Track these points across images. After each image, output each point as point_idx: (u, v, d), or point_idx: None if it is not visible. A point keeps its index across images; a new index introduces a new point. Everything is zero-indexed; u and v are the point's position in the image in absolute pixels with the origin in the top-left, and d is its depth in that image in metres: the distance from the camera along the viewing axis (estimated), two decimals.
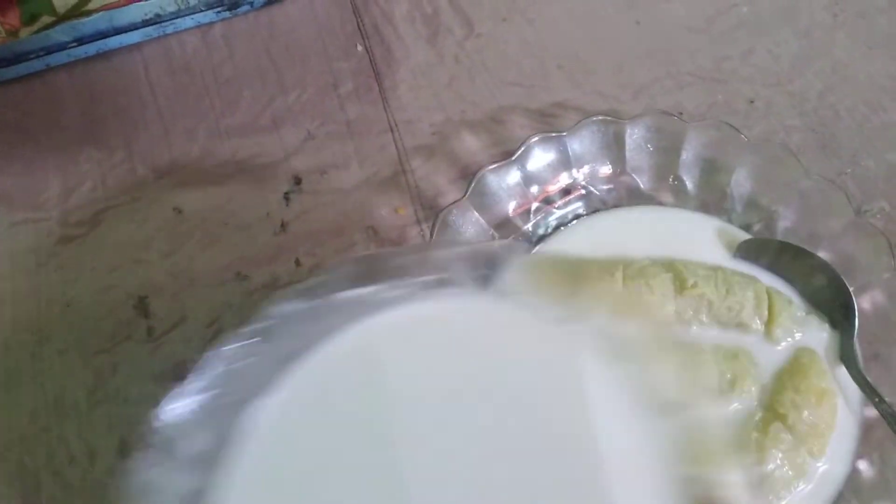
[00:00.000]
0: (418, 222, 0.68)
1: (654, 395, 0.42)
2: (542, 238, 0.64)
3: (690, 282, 0.60)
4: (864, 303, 0.61)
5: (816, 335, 0.60)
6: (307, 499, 0.40)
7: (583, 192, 0.65)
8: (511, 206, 0.63)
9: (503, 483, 0.40)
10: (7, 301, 0.65)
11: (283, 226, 0.68)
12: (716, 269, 0.61)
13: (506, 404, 0.43)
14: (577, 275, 0.60)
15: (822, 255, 0.62)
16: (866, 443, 0.57)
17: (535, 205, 0.64)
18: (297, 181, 0.70)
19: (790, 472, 0.55)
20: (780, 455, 0.55)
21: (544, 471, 0.41)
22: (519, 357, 0.45)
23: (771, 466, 0.54)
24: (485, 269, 0.46)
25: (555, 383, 0.44)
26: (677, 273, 0.60)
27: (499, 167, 0.61)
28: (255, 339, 0.42)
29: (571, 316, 0.47)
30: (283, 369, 0.43)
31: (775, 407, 0.57)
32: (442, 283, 0.46)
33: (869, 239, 0.61)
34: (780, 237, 0.64)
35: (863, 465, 0.56)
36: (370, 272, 0.45)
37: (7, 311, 0.64)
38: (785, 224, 0.64)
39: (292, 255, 0.67)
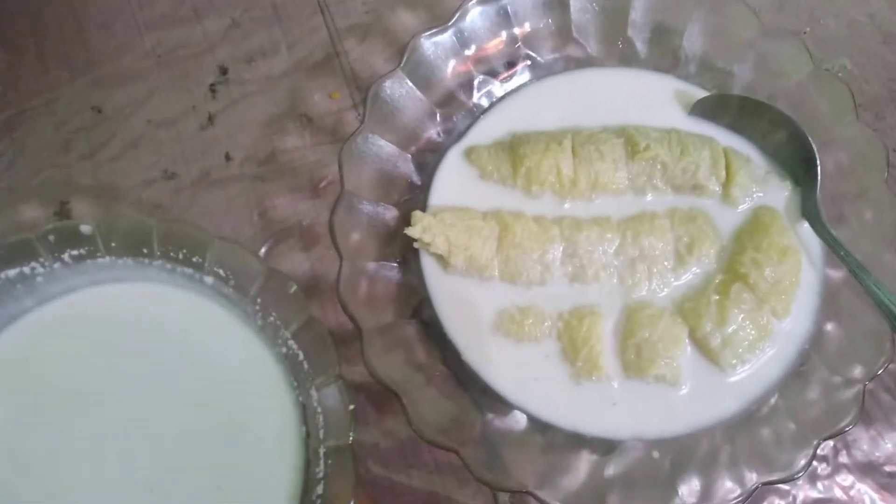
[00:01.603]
0: (354, 106, 0.63)
1: None
2: (486, 111, 0.60)
3: (642, 145, 0.56)
4: (826, 161, 0.57)
5: (777, 193, 0.57)
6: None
7: (528, 62, 0.61)
8: (449, 72, 0.59)
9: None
10: None
11: (211, 119, 0.63)
12: (669, 130, 0.58)
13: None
14: (523, 150, 0.57)
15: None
16: (831, 303, 0.55)
17: (478, 78, 0.60)
18: (223, 71, 0.65)
19: (753, 333, 0.52)
20: (741, 316, 0.52)
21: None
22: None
23: (733, 328, 0.52)
24: None
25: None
26: (629, 137, 0.57)
27: (434, 32, 0.57)
28: None
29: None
30: None
31: (735, 267, 0.54)
32: None
33: (831, 93, 0.57)
34: None
35: (830, 327, 0.54)
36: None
37: None
38: (741, 84, 0.60)
39: (222, 149, 0.62)
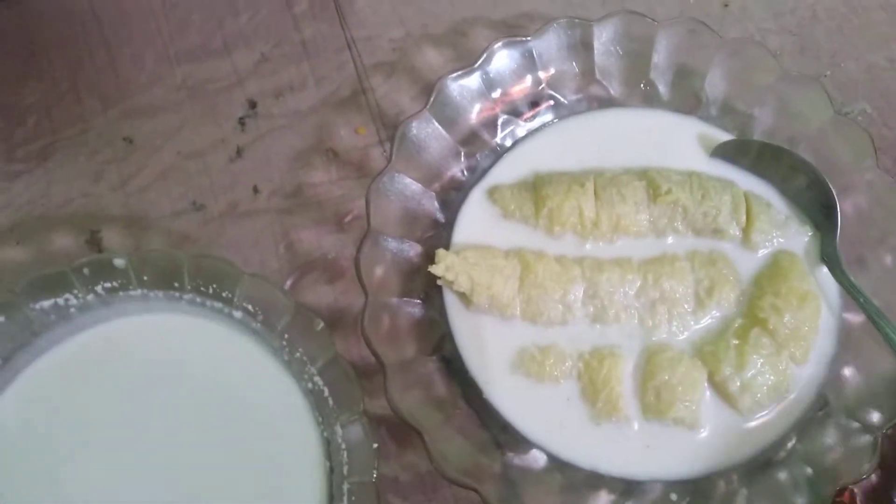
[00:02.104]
0: (380, 142, 0.65)
1: None
2: (509, 150, 0.61)
3: (664, 188, 0.57)
4: (846, 206, 0.58)
5: (797, 238, 0.58)
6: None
7: (551, 102, 0.62)
8: (474, 115, 0.60)
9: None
10: None
11: (239, 152, 0.65)
12: (690, 173, 0.58)
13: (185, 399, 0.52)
14: (546, 191, 0.57)
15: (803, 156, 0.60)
16: (849, 348, 0.55)
17: (502, 117, 0.61)
18: (252, 105, 0.66)
19: (772, 378, 0.53)
20: (760, 361, 0.53)
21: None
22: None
23: (752, 372, 0.52)
24: None
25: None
26: (650, 180, 0.58)
27: (461, 74, 0.58)
28: None
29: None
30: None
31: (755, 312, 0.55)
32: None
33: (851, 138, 0.58)
34: None
35: (847, 372, 0.55)
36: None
37: None
38: (762, 128, 0.61)
39: (250, 181, 0.64)
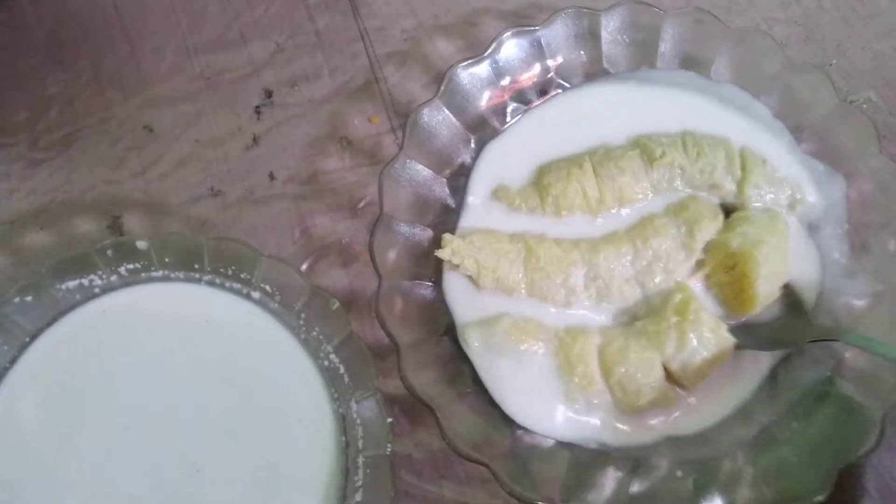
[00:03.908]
0: (392, 130, 0.66)
1: None
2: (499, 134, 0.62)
3: (658, 152, 0.58)
4: (851, 191, 0.59)
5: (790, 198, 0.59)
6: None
7: (559, 90, 0.63)
8: (484, 103, 0.61)
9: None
10: None
11: (256, 139, 0.66)
12: (683, 133, 0.60)
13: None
14: (546, 179, 0.59)
15: (808, 145, 0.61)
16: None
17: (511, 105, 0.63)
18: (268, 94, 0.68)
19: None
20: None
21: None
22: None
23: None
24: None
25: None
26: (643, 147, 0.59)
27: (470, 63, 0.59)
28: None
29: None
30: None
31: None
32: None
33: (855, 125, 0.59)
34: None
35: (849, 353, 0.55)
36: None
37: None
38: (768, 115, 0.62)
39: (266, 168, 0.65)
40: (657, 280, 0.56)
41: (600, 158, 0.59)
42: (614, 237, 0.58)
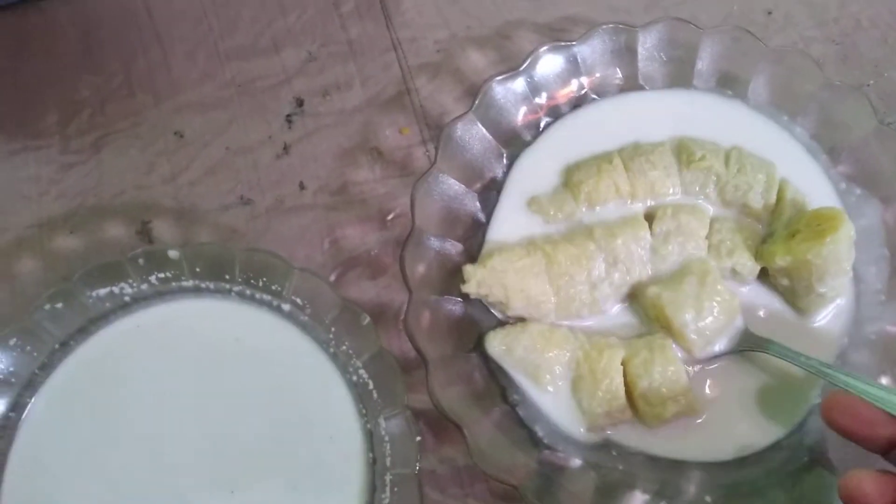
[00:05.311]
0: (423, 142, 0.66)
1: None
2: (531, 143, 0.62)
3: (698, 154, 0.58)
4: (888, 215, 0.58)
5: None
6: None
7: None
8: (519, 118, 0.61)
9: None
10: (10, 229, 0.64)
11: (286, 148, 0.66)
12: (733, 147, 0.59)
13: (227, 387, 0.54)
14: (577, 177, 0.58)
15: (844, 167, 0.60)
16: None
17: (545, 120, 0.62)
18: (299, 103, 0.68)
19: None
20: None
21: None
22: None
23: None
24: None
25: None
26: (684, 147, 0.59)
27: (506, 78, 0.59)
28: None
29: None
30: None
31: None
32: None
33: (893, 148, 0.58)
34: None
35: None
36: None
37: (10, 239, 0.63)
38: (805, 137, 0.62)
39: (296, 177, 0.65)
40: (668, 250, 0.56)
41: (630, 153, 0.58)
42: (631, 219, 0.57)
